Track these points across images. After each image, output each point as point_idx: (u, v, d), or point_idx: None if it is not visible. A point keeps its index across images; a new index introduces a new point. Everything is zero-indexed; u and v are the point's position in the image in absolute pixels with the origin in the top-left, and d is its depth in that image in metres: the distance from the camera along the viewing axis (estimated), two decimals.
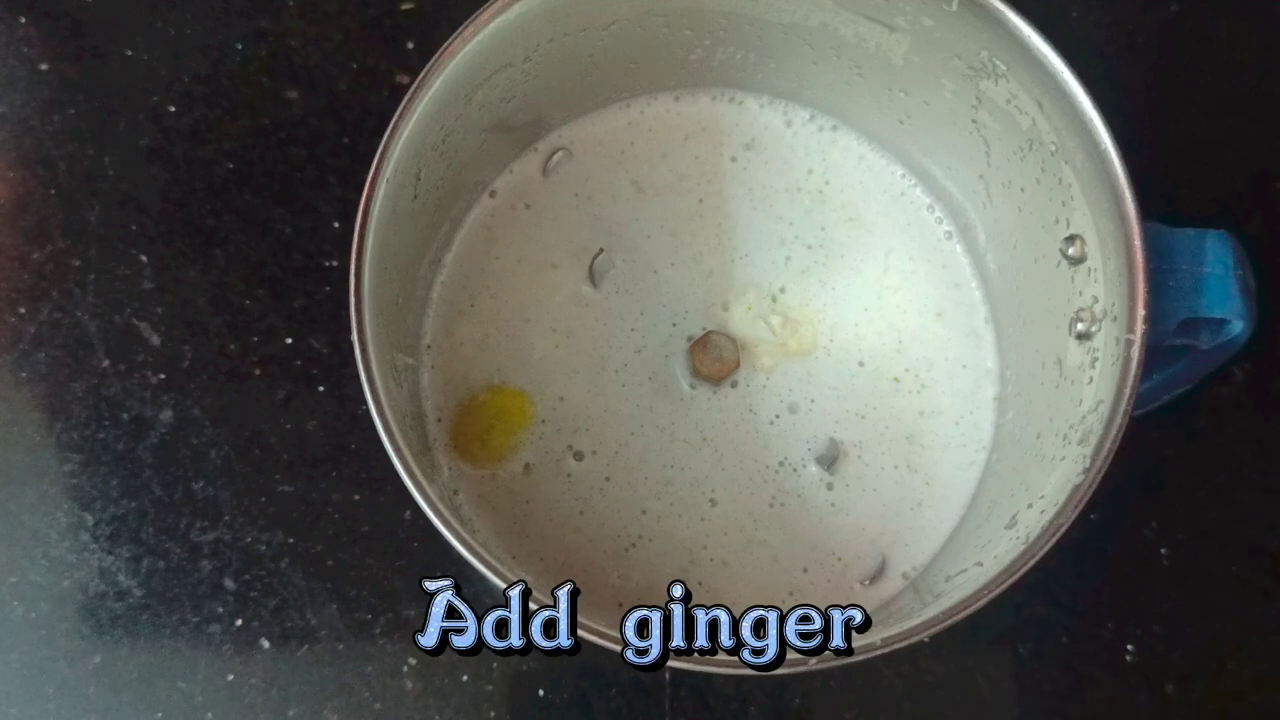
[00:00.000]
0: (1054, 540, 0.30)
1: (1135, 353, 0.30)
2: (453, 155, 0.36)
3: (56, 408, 0.42)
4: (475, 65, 0.34)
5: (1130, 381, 0.30)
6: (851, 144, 0.41)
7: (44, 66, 0.44)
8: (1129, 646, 0.41)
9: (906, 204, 0.41)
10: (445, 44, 0.33)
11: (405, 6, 0.45)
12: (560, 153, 0.40)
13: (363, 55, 0.44)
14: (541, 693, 0.40)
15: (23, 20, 0.45)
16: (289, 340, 0.42)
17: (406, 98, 0.32)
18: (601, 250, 0.40)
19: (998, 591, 0.30)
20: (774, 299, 0.40)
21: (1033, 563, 0.30)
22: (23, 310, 0.42)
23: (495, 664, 0.40)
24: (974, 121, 0.36)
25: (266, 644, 0.40)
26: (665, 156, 0.41)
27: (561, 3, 0.34)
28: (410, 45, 0.44)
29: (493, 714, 0.40)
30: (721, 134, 0.41)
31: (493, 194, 0.40)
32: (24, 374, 0.42)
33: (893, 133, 0.40)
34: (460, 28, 0.33)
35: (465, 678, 0.40)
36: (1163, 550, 0.41)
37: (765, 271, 0.40)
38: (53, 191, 0.43)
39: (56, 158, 0.44)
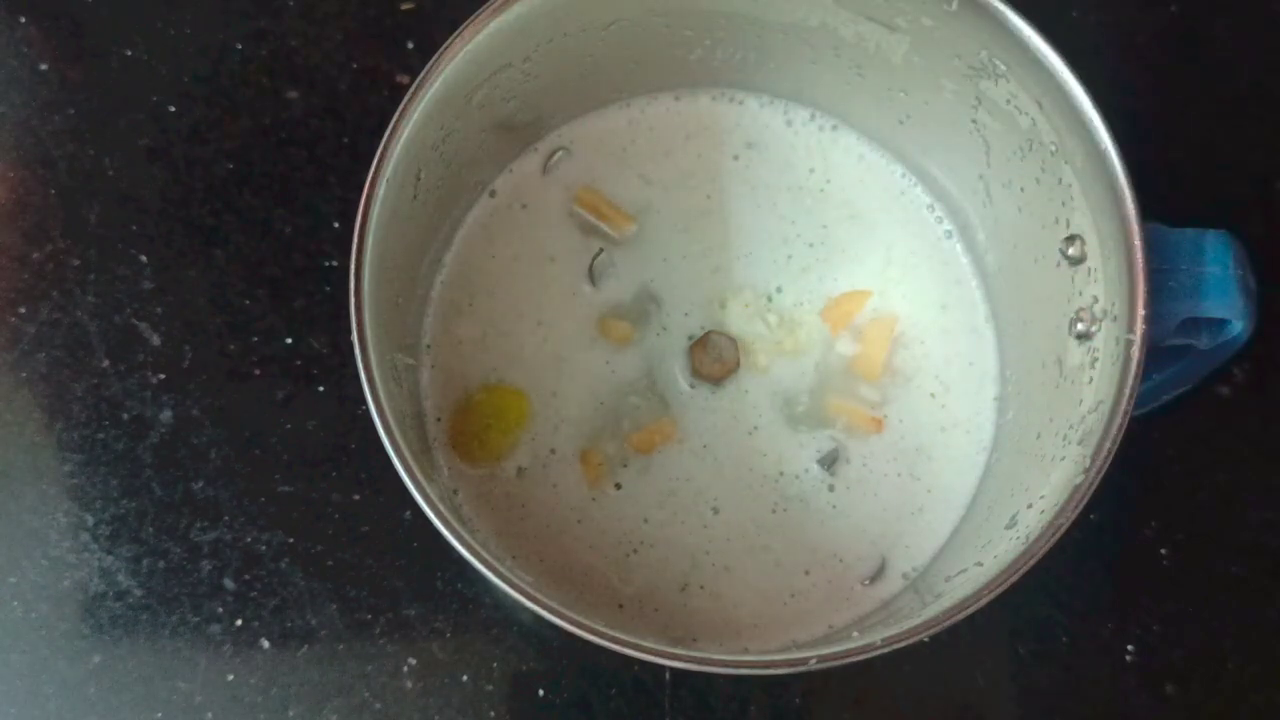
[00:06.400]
0: (1054, 540, 0.30)
1: (1135, 353, 0.30)
2: (452, 155, 0.36)
3: (56, 408, 0.42)
4: (475, 65, 0.34)
5: (1130, 382, 0.30)
6: (852, 143, 0.41)
7: (44, 66, 0.44)
8: (1129, 646, 0.41)
9: (906, 203, 0.41)
10: (445, 44, 0.33)
11: (405, 6, 0.45)
12: (560, 152, 0.40)
13: (363, 55, 0.44)
14: (542, 692, 0.40)
15: (23, 20, 0.45)
16: (289, 340, 0.42)
17: (406, 98, 0.32)
18: (601, 250, 0.40)
19: (998, 591, 0.30)
20: (769, 298, 0.40)
21: (1032, 563, 0.30)
22: (23, 310, 0.42)
23: (495, 664, 0.40)
24: (974, 121, 0.36)
25: (266, 644, 0.40)
26: (667, 155, 0.41)
27: (561, 3, 0.34)
28: (410, 45, 0.44)
29: (493, 714, 0.40)
30: (723, 133, 0.41)
31: (492, 194, 0.40)
32: (24, 374, 0.42)
33: (893, 132, 0.40)
34: (460, 28, 0.33)
35: (465, 677, 0.40)
36: (1163, 550, 0.41)
37: (767, 270, 0.40)
38: (53, 191, 0.43)
39: (56, 158, 0.44)
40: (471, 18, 0.33)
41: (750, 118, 0.41)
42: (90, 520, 0.41)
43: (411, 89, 0.32)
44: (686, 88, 0.41)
